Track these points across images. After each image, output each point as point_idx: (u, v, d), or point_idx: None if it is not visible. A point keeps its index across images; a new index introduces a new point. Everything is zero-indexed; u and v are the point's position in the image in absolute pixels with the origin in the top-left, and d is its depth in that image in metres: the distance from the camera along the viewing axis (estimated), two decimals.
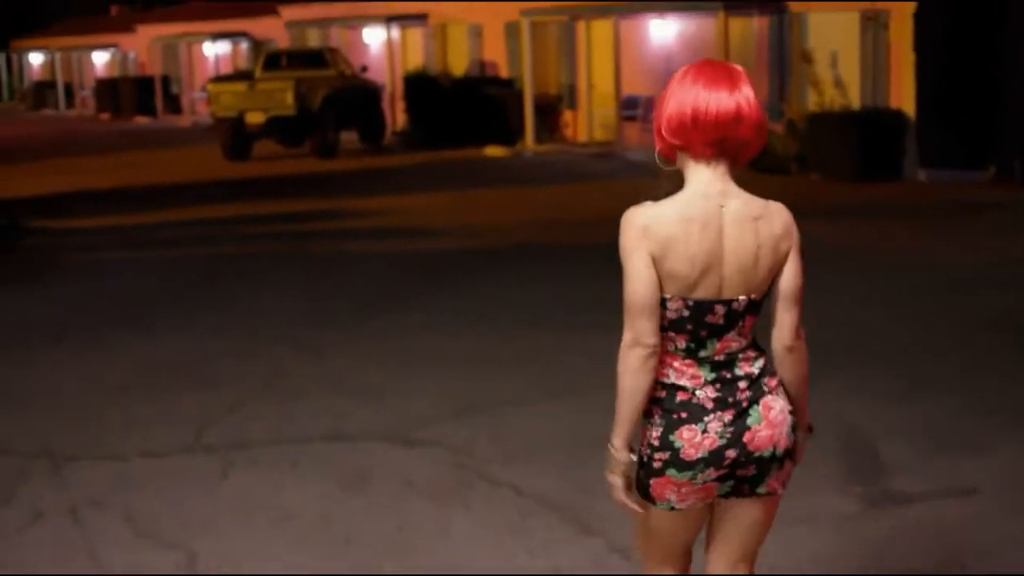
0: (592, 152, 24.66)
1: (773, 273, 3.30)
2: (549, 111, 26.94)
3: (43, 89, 55.28)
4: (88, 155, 29.47)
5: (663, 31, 24.57)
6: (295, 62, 27.02)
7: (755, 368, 3.35)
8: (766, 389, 3.34)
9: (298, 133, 25.60)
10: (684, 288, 3.24)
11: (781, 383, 3.39)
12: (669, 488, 3.32)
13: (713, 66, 3.26)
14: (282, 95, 24.87)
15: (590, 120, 26.45)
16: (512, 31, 28.57)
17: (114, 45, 50.99)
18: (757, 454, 3.31)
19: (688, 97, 3.20)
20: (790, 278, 3.32)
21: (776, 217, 3.29)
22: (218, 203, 19.23)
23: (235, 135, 25.42)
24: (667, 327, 3.28)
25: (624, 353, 3.26)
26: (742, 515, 3.46)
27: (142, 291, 12.47)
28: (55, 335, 10.52)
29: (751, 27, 22.31)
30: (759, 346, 3.40)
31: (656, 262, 3.22)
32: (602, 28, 25.79)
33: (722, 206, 3.24)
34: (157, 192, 21.39)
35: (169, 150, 30.08)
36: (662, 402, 3.31)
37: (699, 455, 3.27)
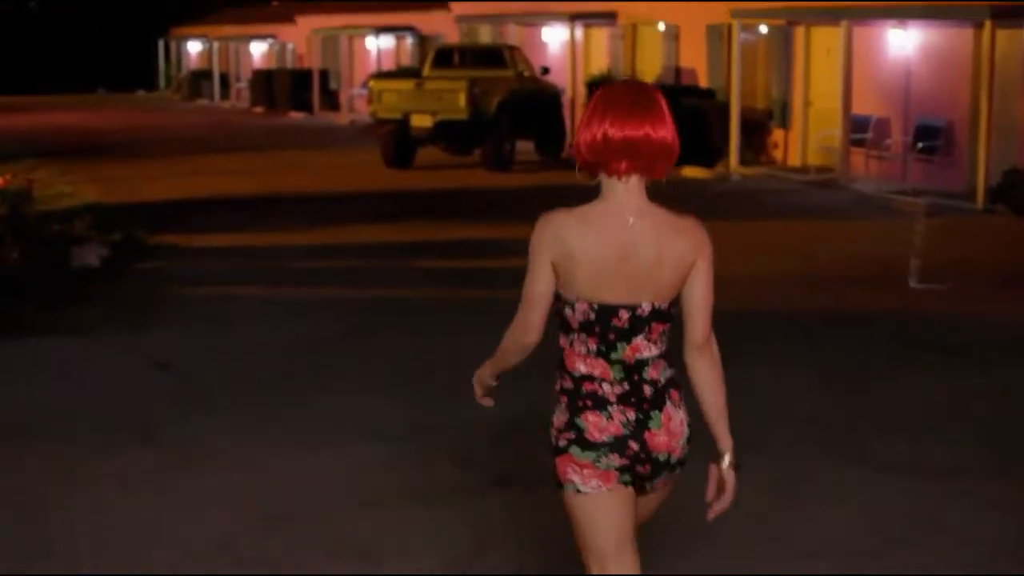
0: (810, 180, 21.02)
1: (677, 283, 3.55)
2: (756, 129, 23.36)
3: (199, 79, 53.23)
4: (236, 153, 26.71)
5: (902, 42, 20.80)
6: (469, 60, 23.84)
7: (662, 377, 3.57)
8: (669, 399, 3.57)
9: (469, 140, 22.39)
10: (589, 292, 3.51)
11: (683, 398, 3.59)
12: (572, 468, 3.55)
13: (627, 88, 3.58)
14: (453, 97, 21.68)
15: (804, 142, 22.81)
16: (715, 34, 25.04)
17: (272, 36, 48.63)
18: (655, 455, 3.54)
19: (603, 121, 3.49)
20: (696, 289, 3.56)
21: (685, 232, 3.56)
22: (377, 223, 16.08)
23: (398, 140, 22.31)
24: (577, 329, 3.56)
25: (511, 335, 3.63)
26: (639, 508, 3.67)
27: (281, 355, 9.34)
28: (143, 430, 7.38)
29: (1021, 41, 18.46)
30: (669, 358, 3.59)
31: (561, 265, 3.52)
32: (824, 36, 22.15)
33: (631, 218, 3.52)
34: (306, 204, 18.36)
35: (323, 151, 27.18)
36: (569, 392, 3.58)
37: (603, 439, 3.52)
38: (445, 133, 22.07)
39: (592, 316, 3.53)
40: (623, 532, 3.62)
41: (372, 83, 22.67)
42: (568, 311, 3.58)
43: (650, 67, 27.04)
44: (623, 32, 27.85)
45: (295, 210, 17.59)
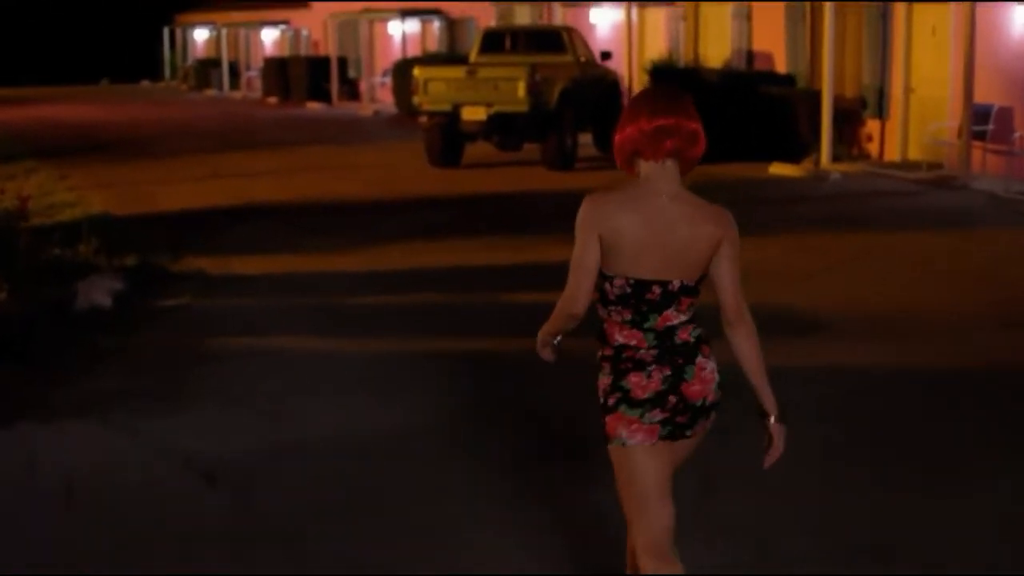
0: (922, 178, 18.25)
1: (704, 263, 3.89)
2: (847, 119, 20.59)
3: (207, 68, 50.47)
4: (256, 150, 23.98)
5: None
6: (524, 45, 21.07)
7: (691, 336, 3.92)
8: (700, 353, 3.92)
9: (525, 135, 19.58)
10: (626, 268, 3.85)
11: (712, 351, 3.94)
12: (621, 424, 3.90)
13: (657, 92, 3.97)
14: (511, 86, 18.89)
15: (904, 133, 20.06)
16: (795, 13, 22.29)
17: (285, 22, 45.89)
18: (691, 402, 3.91)
19: (638, 117, 3.84)
20: (723, 268, 3.90)
21: (713, 218, 3.90)
22: (433, 239, 13.35)
23: (446, 135, 19.52)
24: (614, 301, 3.90)
25: (561, 304, 3.96)
26: (675, 454, 3.99)
27: (375, 463, 6.61)
28: None
29: None
30: (696, 320, 3.92)
31: (606, 241, 3.83)
32: (928, 13, 19.39)
33: (666, 200, 3.85)
34: (346, 213, 15.66)
35: (352, 147, 24.44)
36: (610, 359, 3.94)
37: (646, 396, 3.88)
38: (500, 127, 19.27)
39: (628, 290, 3.87)
40: (662, 482, 3.95)
41: (417, 71, 19.83)
42: (607, 285, 3.90)
43: (716, 51, 24.30)
44: (685, 12, 25.09)
45: (335, 223, 14.88)
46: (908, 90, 19.99)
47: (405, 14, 34.64)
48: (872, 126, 20.82)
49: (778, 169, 19.46)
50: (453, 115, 19.33)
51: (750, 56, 23.55)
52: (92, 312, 9.93)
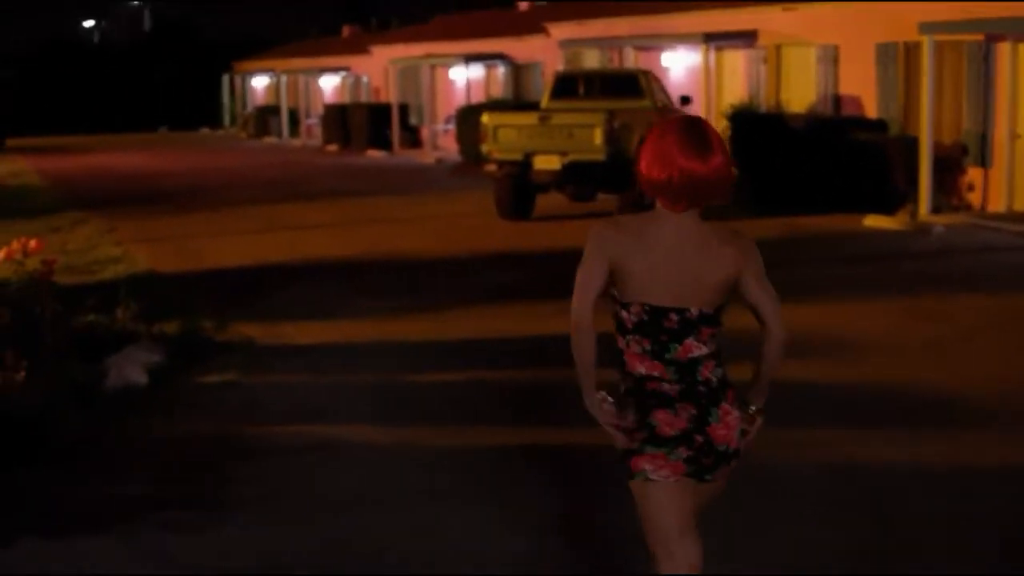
0: None
1: (723, 291, 3.84)
2: (947, 167, 19.12)
3: (266, 115, 49.64)
4: (313, 201, 22.83)
5: None
6: (599, 89, 19.78)
7: (714, 376, 3.88)
8: (724, 398, 3.87)
9: (601, 185, 18.24)
10: (641, 295, 3.81)
11: (737, 398, 3.92)
12: (645, 460, 3.85)
13: (689, 127, 3.80)
14: (587, 133, 17.58)
15: (1010, 182, 18.58)
16: (887, 55, 20.90)
17: (345, 68, 45.00)
18: (716, 446, 3.85)
19: (665, 162, 3.75)
20: (751, 289, 3.86)
21: (730, 243, 3.85)
22: (511, 303, 12.03)
23: (517, 185, 18.23)
24: (632, 330, 3.86)
25: (571, 330, 3.87)
26: (699, 496, 3.95)
27: None
28: None
29: None
30: (719, 358, 3.90)
31: (616, 267, 3.81)
32: None
33: (680, 227, 3.81)
34: (407, 272, 14.41)
35: (414, 198, 23.23)
36: (633, 392, 3.87)
37: (673, 433, 3.82)
38: (575, 177, 17.95)
39: (645, 318, 3.82)
40: (686, 517, 3.89)
41: (486, 117, 18.57)
42: (624, 313, 3.86)
43: (799, 94, 22.93)
44: (766, 54, 23.75)
45: (398, 282, 13.62)
46: (1014, 136, 18.54)
47: (469, 59, 33.53)
48: (974, 174, 19.34)
49: (874, 221, 18.02)
50: (525, 164, 18.05)
51: (837, 100, 22.16)
52: (125, 392, 8.70)
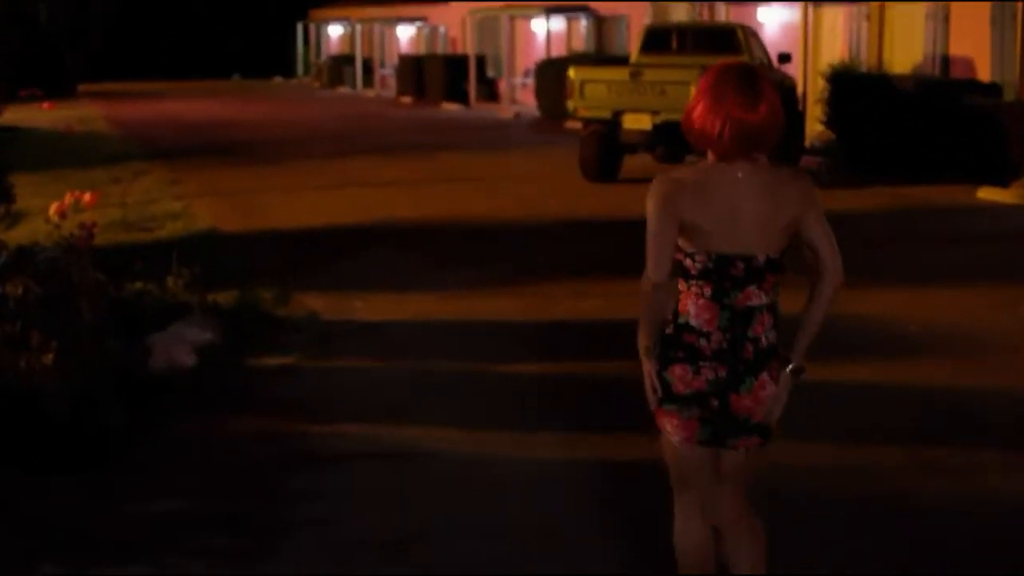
0: None
1: (788, 234, 3.77)
2: None
3: (340, 65, 48.64)
4: (387, 155, 21.78)
5: None
6: (692, 44, 18.47)
7: (765, 337, 3.77)
8: (767, 369, 3.78)
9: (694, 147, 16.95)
10: (707, 244, 3.74)
11: (779, 371, 3.79)
12: (666, 419, 3.85)
13: (740, 75, 3.74)
14: (681, 91, 16.24)
15: None
16: (1003, 14, 19.42)
17: (422, 18, 43.84)
18: (732, 414, 3.77)
19: (717, 111, 3.69)
20: (814, 232, 3.76)
21: (791, 184, 3.80)
22: (600, 277, 10.81)
23: (604, 145, 17.01)
24: (696, 276, 3.78)
25: (642, 285, 3.77)
26: (723, 463, 3.93)
27: None
28: None
29: None
30: (778, 312, 3.81)
31: (681, 219, 3.72)
32: None
33: (739, 174, 3.74)
34: (488, 238, 13.31)
35: (493, 154, 22.11)
36: (667, 340, 3.81)
37: (686, 392, 3.77)
38: (665, 138, 16.67)
39: (711, 266, 3.74)
40: (707, 469, 3.91)
41: (572, 72, 17.33)
42: (688, 261, 3.78)
43: (904, 55, 21.48)
44: (869, 11, 22.29)
45: (478, 251, 12.52)
46: None
47: (550, 11, 32.24)
48: None
49: (988, 194, 16.64)
50: (613, 123, 16.84)
51: (946, 61, 20.70)
52: (171, 376, 7.67)
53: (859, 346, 8.51)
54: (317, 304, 9.72)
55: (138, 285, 9.39)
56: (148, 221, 14.22)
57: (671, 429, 3.85)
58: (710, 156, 3.80)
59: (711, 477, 3.93)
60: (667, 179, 3.81)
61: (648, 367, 3.86)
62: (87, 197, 14.96)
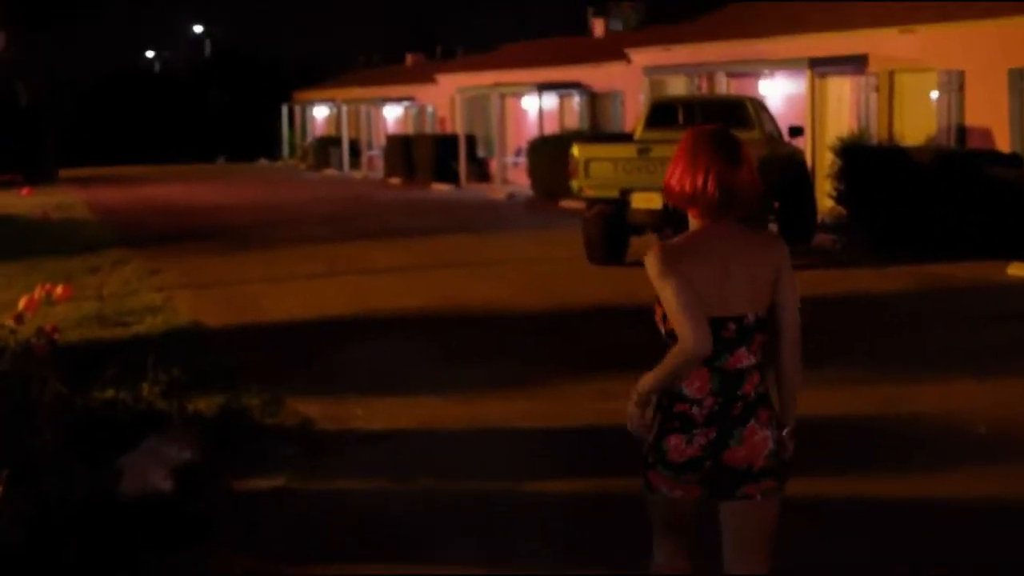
0: None
1: (770, 291, 3.87)
2: None
3: (326, 146, 47.86)
4: (379, 240, 20.81)
5: None
6: (700, 118, 17.54)
7: (754, 392, 3.86)
8: (755, 418, 3.84)
9: None
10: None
11: (772, 418, 3.89)
12: (660, 481, 3.90)
13: (716, 135, 3.89)
14: None
15: None
16: (1022, 80, 18.61)
17: (409, 98, 43.14)
18: (730, 467, 3.81)
19: (697, 168, 3.83)
20: (785, 291, 3.89)
21: (771, 245, 3.94)
22: (627, 371, 9.75)
23: (611, 226, 16.03)
24: None
25: (688, 346, 3.74)
26: (733, 515, 3.93)
27: None
28: None
29: None
30: (764, 372, 3.89)
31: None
32: None
33: (723, 241, 3.84)
34: (493, 329, 12.30)
35: (487, 237, 21.17)
36: (662, 409, 3.88)
37: (681, 461, 3.82)
38: (675, 218, 15.69)
39: None
40: (679, 526, 4.02)
41: (577, 149, 16.39)
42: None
43: (915, 125, 20.67)
44: (877, 82, 21.51)
45: (484, 343, 11.49)
46: None
47: (542, 88, 31.48)
48: None
49: (1020, 270, 15.70)
50: (621, 203, 15.90)
51: (961, 132, 19.89)
52: (143, 503, 6.61)
53: (925, 453, 7.48)
54: (311, 410, 8.68)
55: (110, 392, 8.35)
56: (126, 315, 13.20)
57: (668, 489, 3.90)
58: (693, 223, 3.90)
59: (693, 521, 4.02)
60: (661, 249, 3.87)
61: (633, 410, 3.93)
62: (59, 290, 13.98)
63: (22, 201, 32.86)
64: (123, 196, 34.53)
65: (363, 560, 5.87)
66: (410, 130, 42.45)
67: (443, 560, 5.86)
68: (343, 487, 7.04)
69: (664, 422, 3.86)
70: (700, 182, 3.79)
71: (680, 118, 17.70)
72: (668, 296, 3.78)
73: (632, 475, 6.75)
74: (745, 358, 3.83)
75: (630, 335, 11.55)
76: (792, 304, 3.90)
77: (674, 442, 3.82)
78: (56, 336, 7.41)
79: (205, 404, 8.58)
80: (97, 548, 5.92)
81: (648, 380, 3.88)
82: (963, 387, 9.27)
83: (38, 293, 13.88)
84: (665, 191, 3.92)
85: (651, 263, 3.82)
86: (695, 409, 3.81)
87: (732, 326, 3.81)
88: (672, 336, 3.82)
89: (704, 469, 3.82)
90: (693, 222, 3.91)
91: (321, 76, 57.37)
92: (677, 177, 3.87)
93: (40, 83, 44.79)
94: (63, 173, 44.95)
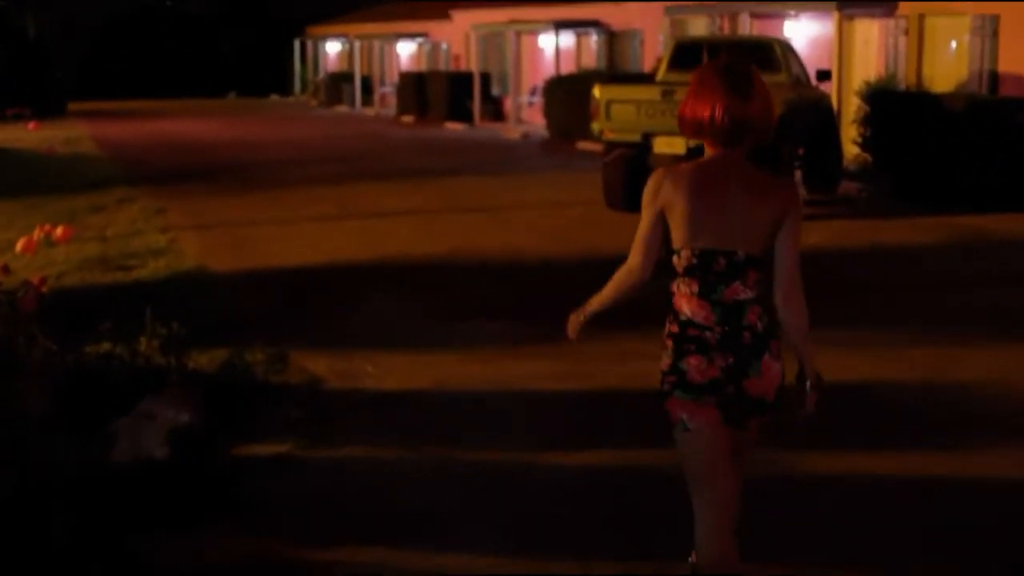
0: None
1: (768, 238, 3.88)
2: None
3: (338, 82, 47.15)
4: (392, 180, 20.27)
5: None
6: None
7: (760, 323, 3.90)
8: (768, 350, 3.89)
9: None
10: (691, 240, 3.88)
11: (780, 348, 3.92)
12: (680, 407, 3.92)
13: (728, 68, 3.89)
14: None
15: None
16: None
17: (423, 34, 42.35)
18: (748, 396, 3.89)
19: (708, 99, 3.85)
20: (784, 243, 3.89)
21: (778, 190, 3.92)
22: (654, 327, 9.29)
23: (632, 171, 15.45)
24: (682, 273, 3.94)
25: (624, 275, 4.05)
26: (736, 443, 3.99)
27: None
28: None
29: None
30: (766, 305, 3.92)
31: (668, 214, 3.90)
32: None
33: (728, 176, 3.87)
34: (512, 279, 11.81)
35: (503, 179, 20.59)
36: (675, 336, 3.94)
37: (703, 381, 3.88)
38: None
39: (694, 261, 3.90)
40: (723, 459, 3.92)
41: (598, 90, 15.75)
42: (675, 258, 3.95)
43: (946, 71, 20.05)
44: (907, 24, 20.82)
45: (503, 295, 10.99)
46: None
47: (559, 25, 30.76)
48: None
49: None
50: (643, 147, 15.34)
51: (994, 78, 19.23)
52: (137, 472, 6.14)
53: (980, 428, 6.99)
54: (319, 367, 8.20)
55: (105, 347, 7.86)
56: (128, 258, 12.72)
57: (688, 416, 3.90)
58: (707, 150, 3.93)
59: (726, 468, 3.93)
60: (660, 171, 3.95)
61: (574, 317, 4.24)
62: (59, 231, 13.52)
63: (29, 135, 32.33)
64: (132, 131, 33.97)
65: (369, 543, 5.40)
66: (424, 67, 41.74)
67: (456, 540, 5.39)
68: (351, 455, 6.55)
69: (680, 344, 3.91)
70: (709, 113, 3.85)
71: (705, 60, 17.04)
72: (641, 222, 3.96)
73: (661, 447, 6.28)
74: (742, 291, 3.89)
75: (654, 290, 11.05)
76: (788, 253, 3.90)
77: (695, 362, 3.88)
78: (44, 288, 6.91)
79: (206, 359, 8.11)
80: (85, 524, 5.46)
81: (596, 300, 4.17)
82: (1017, 353, 8.75)
83: (37, 234, 13.46)
84: (679, 122, 3.98)
85: (647, 188, 3.95)
86: (707, 334, 3.88)
87: (723, 260, 3.87)
88: (680, 272, 3.94)
89: (726, 393, 3.88)
90: (708, 151, 3.96)
91: (335, 11, 56.50)
92: (690, 108, 3.93)
93: (46, 18, 44.06)
94: (73, 107, 44.37)
